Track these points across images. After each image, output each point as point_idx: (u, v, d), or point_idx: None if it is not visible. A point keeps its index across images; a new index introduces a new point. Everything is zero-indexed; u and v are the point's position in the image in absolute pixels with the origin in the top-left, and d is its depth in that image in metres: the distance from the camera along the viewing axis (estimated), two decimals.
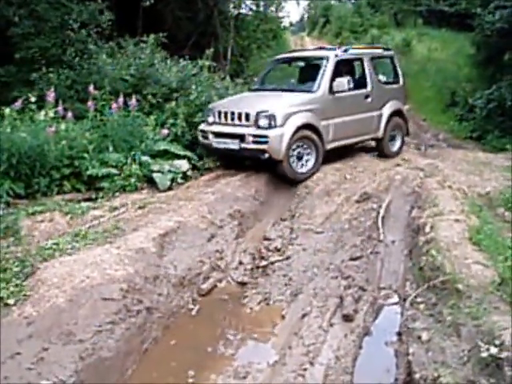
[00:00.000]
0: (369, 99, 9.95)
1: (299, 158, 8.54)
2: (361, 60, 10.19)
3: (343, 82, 9.16)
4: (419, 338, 4.42)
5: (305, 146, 8.60)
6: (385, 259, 6.17)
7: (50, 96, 8.12)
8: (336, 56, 9.52)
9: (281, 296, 5.63)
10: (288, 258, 6.28)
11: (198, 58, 11.94)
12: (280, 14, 26.09)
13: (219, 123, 8.86)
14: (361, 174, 8.82)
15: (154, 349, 4.83)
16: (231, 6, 22.41)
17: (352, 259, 6.15)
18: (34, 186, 7.24)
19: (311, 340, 4.80)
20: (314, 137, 8.66)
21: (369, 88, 10.00)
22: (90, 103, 8.62)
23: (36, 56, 10.24)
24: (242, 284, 6.00)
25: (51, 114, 8.01)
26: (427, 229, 6.12)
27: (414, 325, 4.68)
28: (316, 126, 8.69)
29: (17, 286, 4.85)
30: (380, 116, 10.17)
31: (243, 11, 23.07)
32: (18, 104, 7.78)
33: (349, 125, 9.44)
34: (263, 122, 8.22)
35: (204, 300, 5.67)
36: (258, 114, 8.29)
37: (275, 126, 8.18)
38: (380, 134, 10.19)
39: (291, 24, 41.88)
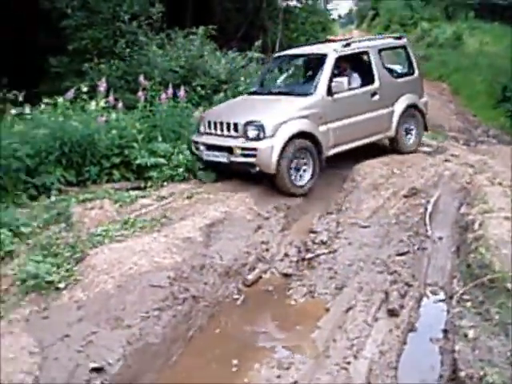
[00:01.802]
0: (376, 96, 8.95)
1: (297, 169, 7.72)
2: (367, 53, 9.12)
3: (342, 81, 8.28)
4: (465, 335, 4.36)
5: (301, 156, 7.76)
6: (432, 255, 6.09)
7: (102, 86, 8.27)
8: (335, 52, 8.51)
9: (325, 289, 5.61)
10: (334, 251, 6.26)
11: (247, 49, 11.99)
12: (329, 7, 25.99)
13: (209, 133, 8.12)
14: (409, 168, 8.69)
15: (198, 337, 4.88)
16: None
17: (398, 254, 6.08)
18: (84, 174, 7.41)
19: (355, 334, 4.77)
20: (309, 145, 7.79)
21: (376, 84, 8.99)
22: (140, 93, 8.73)
23: (88, 47, 10.48)
24: (287, 276, 6.00)
25: (102, 104, 8.16)
26: (476, 226, 6.01)
27: (460, 322, 4.61)
28: (312, 133, 7.81)
29: (67, 270, 5.00)
30: (391, 113, 9.23)
31: (292, 3, 23.02)
32: (71, 94, 7.95)
33: (352, 127, 8.54)
34: (252, 133, 7.48)
35: (249, 290, 5.70)
36: (246, 124, 7.53)
37: (264, 137, 7.39)
38: (392, 132, 9.28)
39: (340, 17, 41.66)
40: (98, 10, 10.77)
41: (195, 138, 8.32)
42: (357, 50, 9.02)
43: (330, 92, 8.15)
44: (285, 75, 10.40)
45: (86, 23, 10.97)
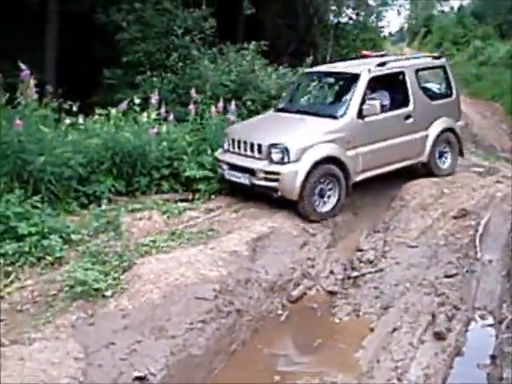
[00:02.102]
0: (410, 119, 8.38)
1: (321, 195, 7.27)
2: (402, 74, 8.51)
3: (375, 105, 7.68)
4: None
5: (326, 182, 7.30)
6: (481, 278, 5.94)
7: (154, 99, 8.39)
8: (369, 73, 7.95)
9: (371, 308, 5.53)
10: (380, 270, 6.17)
11: (298, 65, 12.03)
12: (380, 24, 25.88)
13: (233, 152, 7.74)
14: (459, 189, 8.53)
15: (241, 351, 4.88)
16: (331, 14, 22.44)
17: (447, 276, 5.96)
18: (134, 185, 7.53)
19: (400, 355, 4.69)
20: (337, 171, 7.33)
21: (410, 107, 8.44)
22: (191, 107, 8.83)
23: (141, 60, 10.71)
24: (332, 293, 5.95)
25: (154, 116, 8.28)
26: None
27: (509, 348, 4.49)
28: (339, 158, 7.34)
29: (114, 279, 5.08)
30: (425, 138, 8.66)
31: (343, 20, 23.05)
32: (124, 105, 8.10)
33: (383, 152, 8.00)
34: (276, 156, 7.07)
35: (293, 307, 5.67)
36: (270, 146, 7.12)
37: (289, 162, 6.98)
38: (425, 158, 8.72)
39: (391, 34, 41.41)
40: (152, 24, 11.03)
41: (219, 155, 7.96)
42: (392, 70, 8.44)
43: (360, 115, 7.66)
44: (314, 93, 9.95)
45: (139, 37, 11.23)
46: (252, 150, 7.36)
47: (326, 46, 20.21)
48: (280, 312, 5.54)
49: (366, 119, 7.68)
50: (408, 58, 9.04)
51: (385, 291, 5.79)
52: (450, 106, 9.19)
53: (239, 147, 7.57)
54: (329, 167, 7.24)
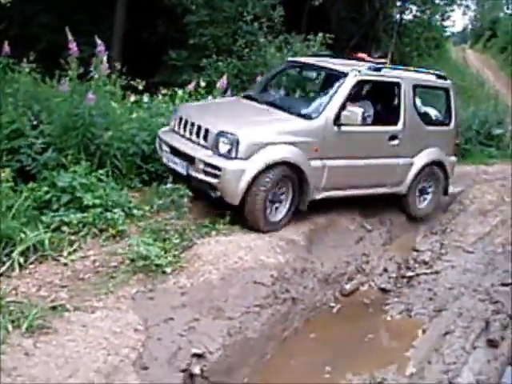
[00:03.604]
0: (395, 141, 6.93)
1: (272, 201, 6.05)
2: (397, 85, 7.12)
3: (357, 113, 6.33)
4: None
5: (280, 186, 6.09)
6: None
7: (222, 83, 8.43)
8: (358, 74, 6.62)
9: (423, 309, 5.53)
10: (436, 272, 6.15)
11: None
12: (444, 23, 25.41)
13: (177, 133, 6.54)
14: None
15: (293, 338, 4.94)
16: (396, 10, 22.16)
17: (503, 284, 5.91)
18: None
19: (452, 359, 4.68)
20: (293, 179, 6.11)
21: (399, 126, 6.98)
22: None
23: (207, 43, 10.79)
24: (385, 291, 5.96)
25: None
26: None
27: None
28: (299, 166, 6.04)
29: (174, 256, 5.17)
30: (409, 166, 7.21)
31: (407, 17, 22.73)
32: (191, 87, 8.18)
33: (356, 171, 6.66)
34: (223, 147, 5.83)
35: (345, 300, 5.71)
36: (219, 134, 5.89)
37: (236, 157, 5.76)
38: (403, 189, 7.25)
39: (453, 34, 40.53)
40: (221, 8, 11.09)
41: (161, 133, 6.76)
42: (386, 79, 7.09)
43: (337, 121, 6.29)
44: (289, 85, 8.65)
45: (207, 20, 11.32)
46: (198, 134, 6.15)
47: (389, 43, 19.96)
48: (332, 304, 5.59)
49: (343, 128, 6.33)
50: (408, 70, 7.69)
51: (439, 294, 5.78)
52: (445, 136, 7.72)
53: (185, 128, 6.39)
54: (284, 170, 5.97)
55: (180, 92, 8.02)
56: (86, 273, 4.91)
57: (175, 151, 6.25)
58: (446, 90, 7.81)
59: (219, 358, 4.11)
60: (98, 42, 6.63)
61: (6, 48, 7.19)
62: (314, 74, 8.40)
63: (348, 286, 5.84)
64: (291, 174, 6.04)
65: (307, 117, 6.33)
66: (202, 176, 5.86)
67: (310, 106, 6.66)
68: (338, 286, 5.79)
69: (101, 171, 6.11)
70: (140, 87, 8.10)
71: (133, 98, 7.95)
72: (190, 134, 6.25)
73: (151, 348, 3.97)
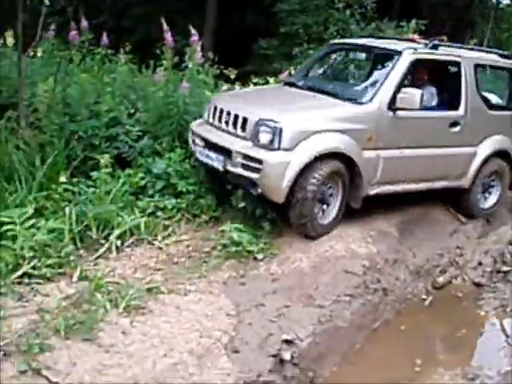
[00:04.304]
0: (457, 128, 6.18)
1: (321, 200, 5.40)
2: (457, 65, 6.32)
3: (414, 95, 5.59)
4: None
5: (329, 185, 5.42)
6: None
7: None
8: (414, 53, 5.89)
9: None
10: None
11: None
12: None
13: (212, 124, 5.89)
14: None
15: (383, 330, 4.87)
16: None
17: None
18: None
19: None
20: (344, 173, 5.45)
21: (461, 111, 6.22)
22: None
23: (298, 32, 10.74)
24: (479, 285, 5.78)
25: None
26: None
27: None
28: (351, 157, 5.39)
29: (265, 243, 5.23)
30: (472, 156, 6.42)
31: (505, 1, 21.77)
32: (284, 75, 8.18)
33: (414, 162, 5.95)
34: (264, 137, 5.17)
35: (437, 293, 5.58)
36: (258, 122, 5.23)
37: (279, 148, 5.10)
38: (466, 182, 6.44)
39: None
40: None
41: (195, 126, 6.13)
42: (444, 58, 6.31)
43: (392, 105, 5.62)
44: (336, 69, 7.61)
45: (298, 9, 11.29)
46: (235, 124, 5.49)
47: (485, 29, 19.18)
48: (424, 297, 5.48)
49: (399, 113, 5.67)
50: (468, 49, 6.92)
51: None
52: (510, 122, 6.77)
53: (220, 119, 5.73)
54: (335, 166, 5.34)
55: (272, 80, 8.05)
56: (179, 257, 5.06)
57: (210, 144, 5.65)
58: (511, 71, 6.94)
59: (309, 345, 4.12)
60: (193, 31, 6.77)
61: (105, 39, 7.48)
62: (362, 56, 7.46)
63: (440, 279, 5.69)
64: (342, 168, 5.39)
65: (358, 101, 5.66)
66: (240, 171, 5.22)
67: (361, 90, 6.06)
68: (430, 279, 5.66)
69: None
70: (232, 76, 8.21)
71: (225, 87, 8.05)
72: (226, 124, 5.60)
73: (242, 332, 4.04)
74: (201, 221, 5.61)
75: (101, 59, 7.50)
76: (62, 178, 5.36)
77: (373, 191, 5.71)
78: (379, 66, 6.46)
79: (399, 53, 5.89)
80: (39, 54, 7.26)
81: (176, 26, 7.39)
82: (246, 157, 5.17)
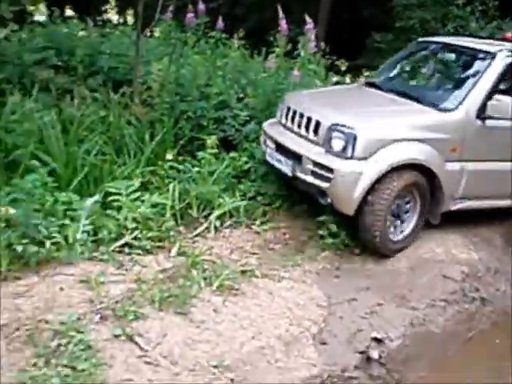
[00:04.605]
0: None
1: (395, 215, 5.01)
2: None
3: (508, 103, 5.11)
4: None
5: (406, 198, 5.04)
6: None
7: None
8: (509, 55, 5.39)
9: None
10: None
11: None
12: None
13: (284, 126, 5.60)
14: None
15: (477, 341, 4.66)
16: None
17: None
18: None
19: None
20: (423, 186, 5.02)
21: None
22: None
23: (414, 27, 10.46)
24: None
25: None
26: None
27: None
28: (432, 169, 4.96)
29: None
30: None
31: None
32: None
33: (503, 177, 5.45)
34: (337, 143, 4.82)
35: None
36: (331, 127, 4.90)
37: (352, 156, 4.73)
38: None
39: None
40: None
41: (267, 127, 5.83)
42: None
43: (481, 113, 5.16)
44: (421, 70, 6.78)
45: (415, 3, 11.00)
46: (307, 127, 5.16)
47: None
48: None
49: (489, 122, 5.19)
50: None
51: None
52: None
53: (292, 121, 5.42)
54: (413, 178, 4.92)
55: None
56: (275, 243, 5.10)
57: (280, 147, 5.36)
58: None
59: (398, 346, 4.04)
60: (308, 20, 6.74)
61: (221, 23, 7.60)
62: (451, 56, 6.53)
63: None
64: (421, 180, 4.98)
65: (443, 108, 5.19)
66: (310, 178, 4.89)
67: (447, 95, 5.50)
68: None
69: None
70: (343, 68, 8.13)
71: (335, 79, 7.99)
72: (299, 127, 5.27)
73: (332, 325, 4.02)
74: (300, 210, 5.60)
75: (215, 43, 7.62)
76: (169, 156, 5.51)
77: (455, 206, 5.31)
78: (469, 69, 5.74)
79: (492, 55, 5.42)
80: (156, 35, 7.48)
81: (290, 14, 7.38)
82: (316, 164, 4.85)
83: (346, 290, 4.44)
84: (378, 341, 3.97)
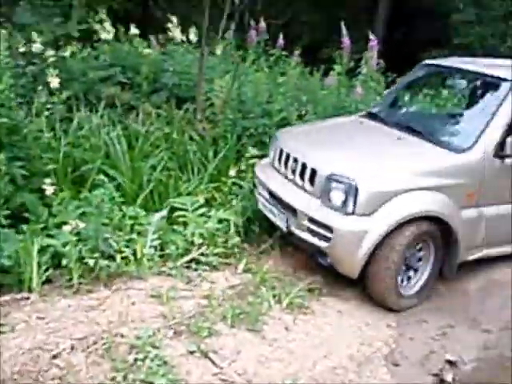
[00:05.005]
0: None
1: (407, 267, 4.42)
2: None
3: None
4: None
5: (418, 248, 4.42)
6: None
7: None
8: None
9: None
10: None
11: None
12: None
13: (277, 170, 4.97)
14: None
15: None
16: None
17: None
18: None
19: None
20: (436, 235, 4.39)
21: None
22: None
23: (473, 43, 10.34)
24: None
25: None
26: None
27: None
28: (446, 220, 4.31)
29: None
30: None
31: None
32: None
33: None
34: (336, 196, 4.19)
35: None
36: (330, 177, 4.26)
37: (353, 212, 4.12)
38: None
39: None
40: (490, 6, 10.59)
41: (258, 168, 5.29)
42: None
43: (500, 151, 4.50)
44: (429, 100, 6.20)
45: (474, 20, 10.88)
46: (302, 175, 4.53)
47: None
48: None
49: (508, 161, 4.54)
50: None
51: None
52: None
53: (286, 165, 4.78)
54: (425, 228, 4.28)
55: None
56: None
57: (273, 196, 4.77)
58: None
59: (473, 369, 3.92)
60: (372, 37, 6.72)
61: (281, 41, 7.66)
62: (462, 83, 5.81)
63: None
64: (434, 229, 4.35)
65: (456, 147, 4.51)
66: (306, 236, 4.30)
67: (460, 131, 4.88)
68: None
69: None
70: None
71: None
72: (293, 173, 4.63)
73: (403, 346, 3.96)
74: None
75: (275, 60, 7.68)
76: (232, 172, 5.53)
77: (473, 256, 4.70)
78: (484, 99, 5.12)
79: (508, 82, 4.73)
80: (218, 52, 7.58)
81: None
82: (312, 220, 4.24)
83: (416, 310, 4.38)
84: (451, 363, 3.87)
